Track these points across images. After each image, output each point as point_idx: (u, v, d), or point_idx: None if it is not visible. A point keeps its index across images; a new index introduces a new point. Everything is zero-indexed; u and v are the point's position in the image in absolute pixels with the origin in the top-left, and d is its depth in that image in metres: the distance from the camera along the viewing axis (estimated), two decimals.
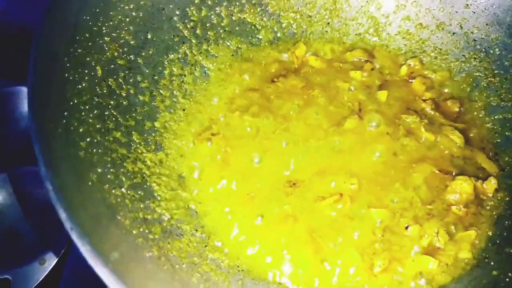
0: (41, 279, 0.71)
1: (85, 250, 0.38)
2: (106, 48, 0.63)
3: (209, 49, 0.79)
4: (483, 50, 0.80)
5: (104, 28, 0.63)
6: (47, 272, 0.71)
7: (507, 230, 0.63)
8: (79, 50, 0.58)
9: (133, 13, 0.68)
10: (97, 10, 0.62)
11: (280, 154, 0.70)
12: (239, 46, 0.82)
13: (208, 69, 0.79)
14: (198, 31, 0.78)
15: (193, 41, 0.77)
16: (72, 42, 0.57)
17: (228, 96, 0.77)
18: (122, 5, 0.66)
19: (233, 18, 0.82)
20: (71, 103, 0.54)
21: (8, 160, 0.80)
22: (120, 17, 0.66)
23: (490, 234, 0.64)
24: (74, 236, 0.39)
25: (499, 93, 0.77)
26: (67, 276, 0.70)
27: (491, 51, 0.79)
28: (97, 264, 0.38)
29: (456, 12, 0.81)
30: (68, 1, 0.58)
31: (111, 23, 0.64)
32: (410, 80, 0.81)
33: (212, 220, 0.63)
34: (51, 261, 0.72)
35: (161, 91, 0.71)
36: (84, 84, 0.57)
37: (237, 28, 0.82)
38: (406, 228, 0.63)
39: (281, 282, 0.59)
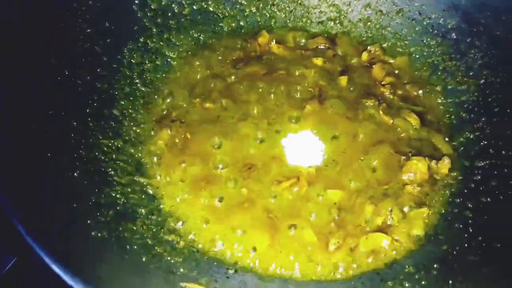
0: None
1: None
2: None
3: (171, 37, 0.80)
4: (440, 35, 0.81)
5: None
6: None
7: (459, 207, 0.64)
8: None
9: (90, 2, 0.68)
10: None
11: (239, 139, 0.71)
12: (201, 34, 0.83)
13: (170, 58, 0.79)
14: (158, 20, 0.78)
15: (154, 30, 0.78)
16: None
17: (189, 83, 0.78)
18: None
19: (195, 7, 0.82)
20: None
21: None
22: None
23: (443, 211, 0.65)
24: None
25: (455, 76, 0.78)
26: None
27: (448, 36, 0.81)
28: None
29: None
30: None
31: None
32: (371, 66, 0.83)
33: (170, 203, 0.64)
34: None
35: (120, 80, 0.72)
36: None
37: (199, 17, 0.83)
38: (361, 208, 0.65)
39: (237, 262, 0.60)
